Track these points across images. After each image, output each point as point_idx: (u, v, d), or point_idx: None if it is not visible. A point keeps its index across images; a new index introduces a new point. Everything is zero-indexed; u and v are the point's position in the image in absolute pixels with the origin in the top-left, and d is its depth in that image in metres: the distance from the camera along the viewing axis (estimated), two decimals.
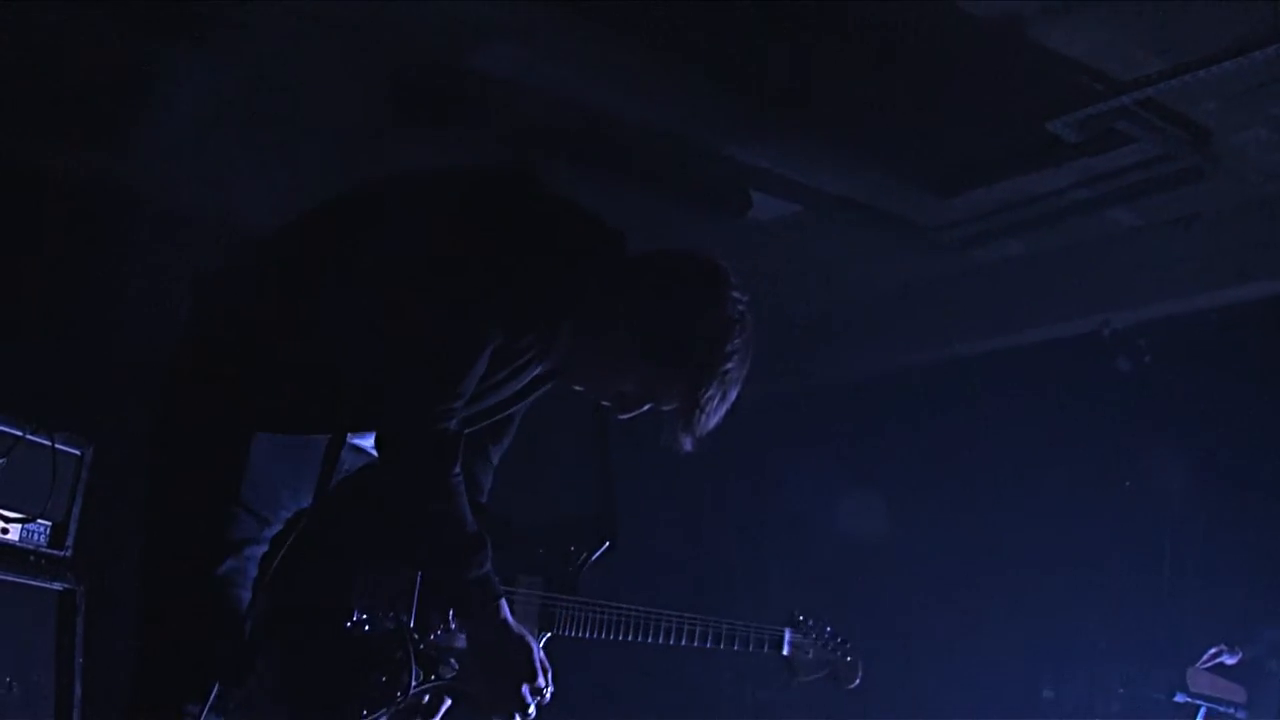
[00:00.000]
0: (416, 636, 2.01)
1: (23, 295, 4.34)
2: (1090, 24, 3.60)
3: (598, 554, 2.22)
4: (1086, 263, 5.01)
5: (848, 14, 3.64)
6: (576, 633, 2.26)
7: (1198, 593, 4.54)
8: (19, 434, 3.18)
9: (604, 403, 2.22)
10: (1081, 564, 4.77)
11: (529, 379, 2.16)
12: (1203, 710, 4.19)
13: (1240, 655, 4.31)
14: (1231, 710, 4.25)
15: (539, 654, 2.07)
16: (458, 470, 1.98)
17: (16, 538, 3.25)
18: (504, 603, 2.02)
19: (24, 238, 4.43)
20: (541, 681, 2.05)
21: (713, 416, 2.17)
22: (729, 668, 5.75)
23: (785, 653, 2.63)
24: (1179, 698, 4.16)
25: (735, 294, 2.17)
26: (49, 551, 3.28)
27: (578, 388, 2.21)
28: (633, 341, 2.12)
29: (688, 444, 2.19)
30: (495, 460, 2.38)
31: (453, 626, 2.09)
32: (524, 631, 2.06)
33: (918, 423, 5.65)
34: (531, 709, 2.04)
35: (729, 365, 2.15)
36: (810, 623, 2.69)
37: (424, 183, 2.15)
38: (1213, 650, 4.31)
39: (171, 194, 4.89)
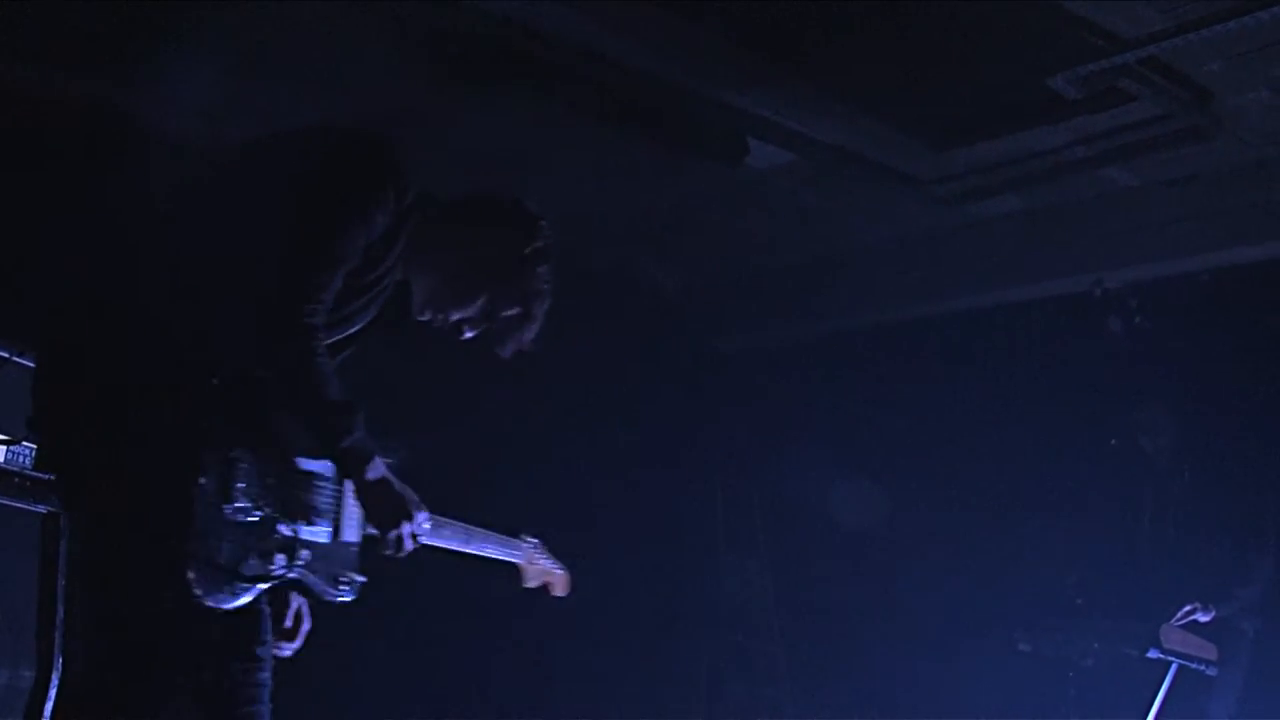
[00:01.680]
0: (284, 527, 2.31)
1: (19, 219, 4.31)
2: None
3: None
4: (1082, 221, 5.00)
5: None
6: None
7: (1175, 551, 4.60)
8: (5, 355, 3.17)
9: (445, 327, 2.58)
10: (1061, 519, 4.82)
11: (377, 309, 2.50)
12: (1174, 666, 4.25)
13: (1214, 613, 4.37)
14: (1202, 667, 4.31)
15: (415, 498, 2.41)
16: (325, 355, 2.29)
17: (1, 459, 3.25)
18: (379, 460, 2.35)
19: (27, 164, 4.37)
20: (422, 518, 2.40)
21: (539, 323, 2.59)
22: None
23: (519, 561, 2.99)
24: (1152, 653, 4.21)
25: (543, 222, 2.61)
26: (34, 474, 3.27)
27: (422, 317, 2.58)
28: (470, 265, 2.55)
29: (508, 351, 2.60)
30: None
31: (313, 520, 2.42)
32: (403, 486, 2.39)
33: (903, 377, 5.68)
34: (407, 545, 2.39)
35: (547, 279, 2.59)
36: (535, 540, 3.06)
37: (298, 135, 2.49)
38: (1187, 608, 4.36)
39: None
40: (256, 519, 2.25)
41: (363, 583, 2.52)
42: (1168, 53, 3.84)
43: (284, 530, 2.30)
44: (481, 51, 4.30)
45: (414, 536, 2.39)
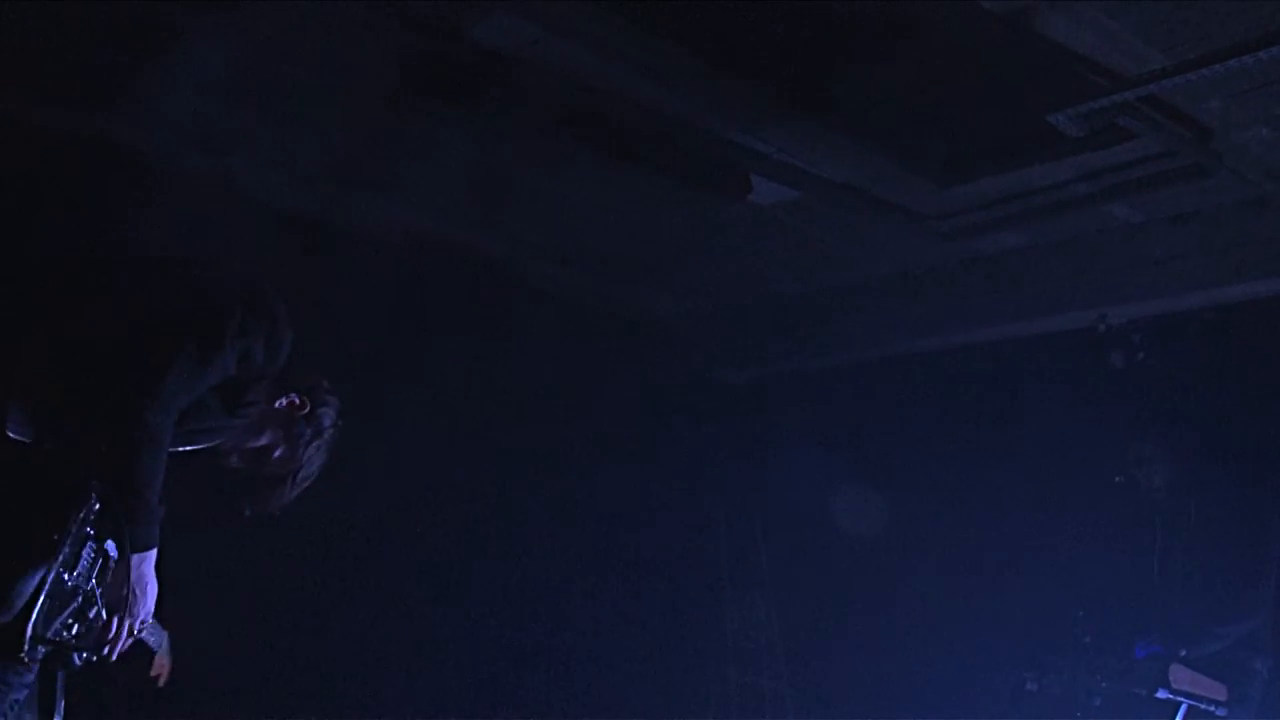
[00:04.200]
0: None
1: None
2: (1096, 18, 3.59)
3: None
4: (1084, 256, 5.01)
5: (853, 2, 3.63)
6: None
7: (1183, 588, 4.57)
8: None
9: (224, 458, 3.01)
10: (1068, 558, 4.80)
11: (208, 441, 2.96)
12: (1184, 707, 4.22)
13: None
14: (1212, 708, 4.28)
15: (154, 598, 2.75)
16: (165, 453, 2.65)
17: None
18: (153, 557, 2.69)
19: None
20: (147, 616, 2.73)
21: (290, 493, 3.04)
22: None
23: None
24: (1160, 694, 4.18)
25: (328, 409, 3.07)
26: None
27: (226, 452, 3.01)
28: (263, 422, 2.99)
29: (253, 506, 3.03)
30: None
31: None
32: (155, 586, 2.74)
33: (908, 411, 5.67)
34: (126, 631, 2.70)
35: (316, 460, 3.06)
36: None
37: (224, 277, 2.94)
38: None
39: (171, 156, 4.87)
40: (82, 591, 2.61)
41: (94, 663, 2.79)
42: (1168, 91, 3.86)
43: (87, 610, 2.63)
44: (484, 87, 4.32)
45: (139, 628, 2.74)
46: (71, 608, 2.58)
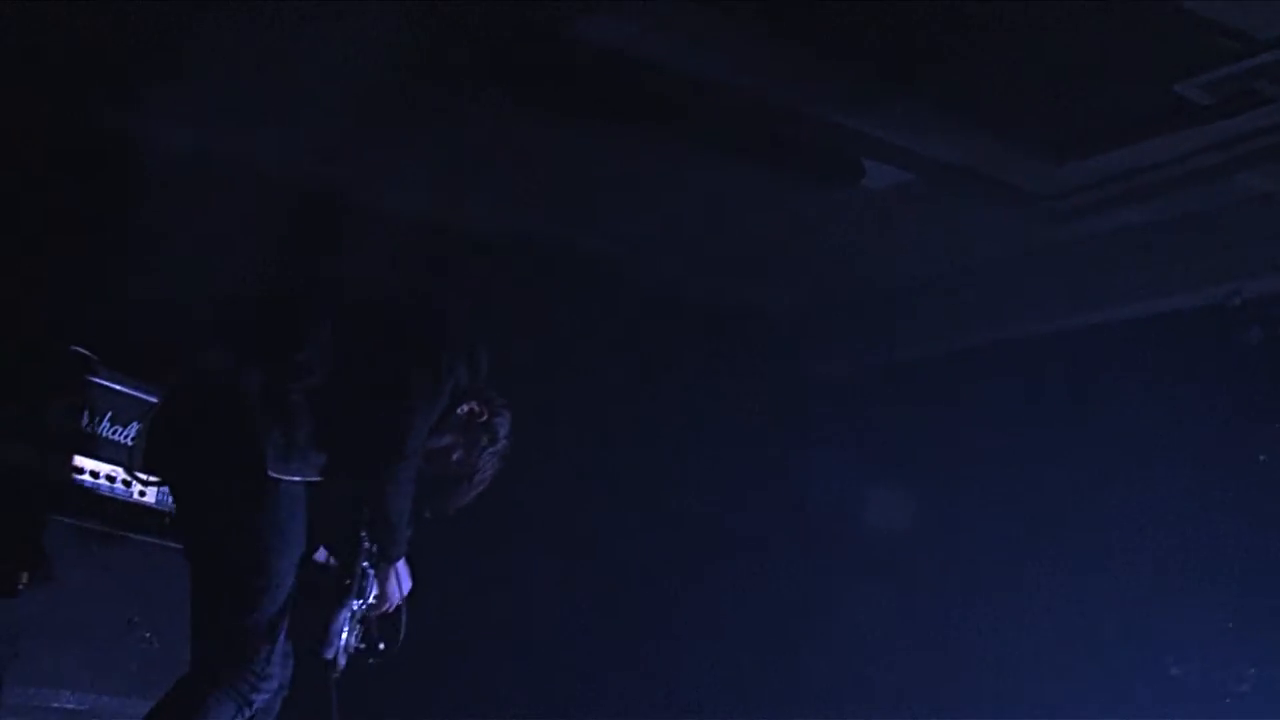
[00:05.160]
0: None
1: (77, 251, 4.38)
2: None
3: None
4: (1211, 231, 4.85)
5: None
6: None
7: None
8: (154, 399, 3.27)
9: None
10: (1208, 543, 4.64)
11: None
12: None
13: None
14: None
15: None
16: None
17: (153, 500, 3.39)
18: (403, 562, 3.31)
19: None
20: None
21: (468, 495, 3.42)
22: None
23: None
24: None
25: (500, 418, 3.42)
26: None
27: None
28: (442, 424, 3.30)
29: (435, 509, 3.37)
30: None
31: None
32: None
33: (1025, 398, 5.55)
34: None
35: (490, 465, 3.44)
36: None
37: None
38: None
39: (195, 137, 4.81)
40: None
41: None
42: None
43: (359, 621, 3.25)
44: (590, 84, 4.33)
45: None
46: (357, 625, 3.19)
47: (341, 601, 3.05)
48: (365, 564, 3.13)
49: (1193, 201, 4.81)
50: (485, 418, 3.27)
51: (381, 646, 3.28)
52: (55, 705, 3.28)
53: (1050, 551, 5.04)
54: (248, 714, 2.92)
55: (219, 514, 2.91)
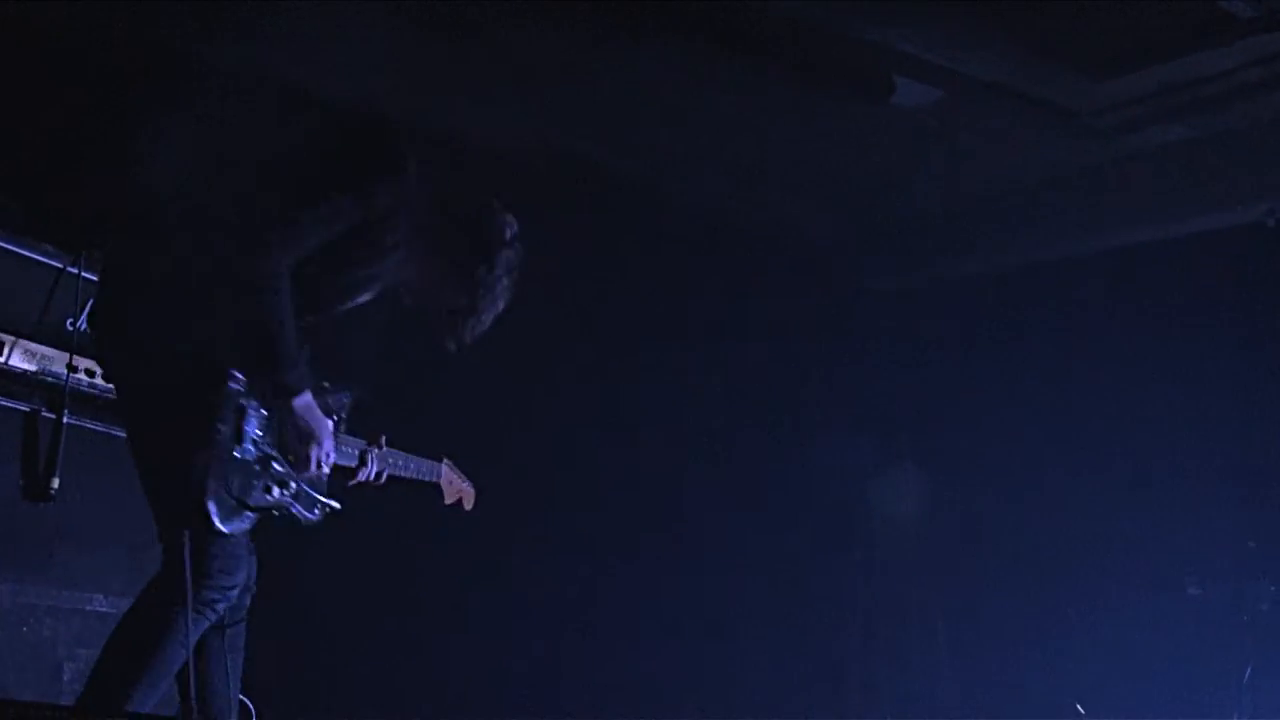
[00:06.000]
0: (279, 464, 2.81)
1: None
2: None
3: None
4: (1255, 149, 4.73)
5: None
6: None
7: None
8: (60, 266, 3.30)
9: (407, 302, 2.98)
10: (1235, 462, 4.60)
11: (379, 287, 2.91)
12: None
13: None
14: None
15: (328, 427, 2.82)
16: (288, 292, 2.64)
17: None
18: (309, 394, 2.75)
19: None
20: (329, 446, 2.81)
21: (483, 324, 2.94)
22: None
23: (439, 480, 3.32)
24: None
25: (510, 231, 2.96)
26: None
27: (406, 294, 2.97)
28: (439, 255, 2.90)
29: (447, 342, 2.95)
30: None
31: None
32: (319, 416, 2.79)
33: (1064, 317, 5.49)
34: (317, 466, 2.81)
35: (504, 284, 2.93)
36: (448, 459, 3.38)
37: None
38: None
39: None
40: (257, 457, 2.72)
41: (336, 508, 2.93)
42: None
43: (278, 467, 2.76)
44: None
45: (326, 457, 2.82)
46: (264, 474, 2.73)
47: (195, 443, 2.57)
48: (244, 403, 2.65)
49: (1235, 118, 4.69)
50: (472, 232, 2.85)
51: (314, 508, 2.85)
52: (89, 609, 3.36)
53: (1078, 463, 5.02)
54: (213, 618, 2.74)
55: (152, 405, 2.68)
